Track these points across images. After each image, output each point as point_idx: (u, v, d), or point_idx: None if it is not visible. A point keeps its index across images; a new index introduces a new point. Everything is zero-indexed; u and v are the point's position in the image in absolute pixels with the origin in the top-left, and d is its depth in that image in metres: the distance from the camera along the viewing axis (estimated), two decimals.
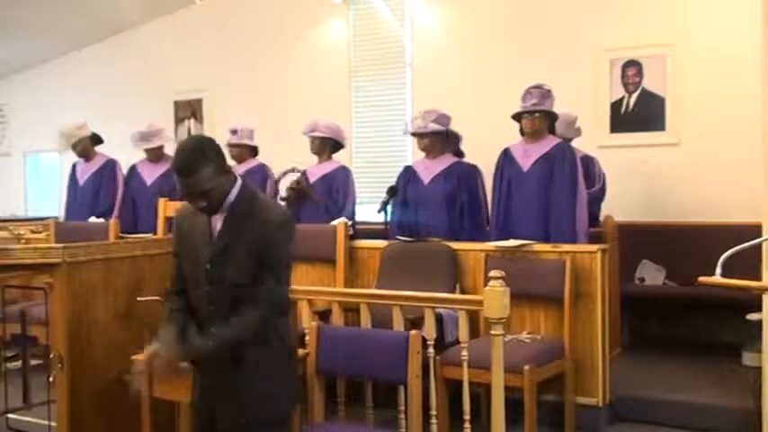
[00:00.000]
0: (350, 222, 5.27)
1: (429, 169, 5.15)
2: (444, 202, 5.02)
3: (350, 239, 5.09)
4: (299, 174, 5.55)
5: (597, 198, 5.42)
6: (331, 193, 5.46)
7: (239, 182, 2.61)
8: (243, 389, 2.59)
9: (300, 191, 5.48)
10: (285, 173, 5.67)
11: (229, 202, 2.57)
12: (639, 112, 6.21)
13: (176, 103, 8.45)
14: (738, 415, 4.15)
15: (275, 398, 2.63)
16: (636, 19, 6.20)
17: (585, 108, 5.79)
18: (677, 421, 4.33)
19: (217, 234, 2.59)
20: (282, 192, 5.60)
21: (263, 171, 5.95)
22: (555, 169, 4.67)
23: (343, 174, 5.53)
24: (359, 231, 5.47)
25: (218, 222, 2.60)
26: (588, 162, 5.40)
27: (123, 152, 6.58)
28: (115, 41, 8.79)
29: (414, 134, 5.21)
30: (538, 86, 4.70)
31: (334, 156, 5.63)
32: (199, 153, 2.52)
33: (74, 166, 6.64)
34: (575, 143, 5.34)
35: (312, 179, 5.53)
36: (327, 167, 5.56)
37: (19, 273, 3.89)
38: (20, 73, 9.57)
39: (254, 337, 2.56)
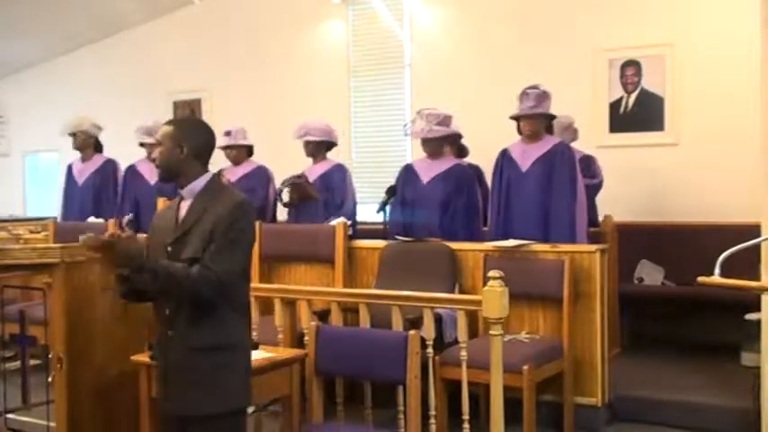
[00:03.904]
0: (350, 222, 5.25)
1: (429, 169, 5.12)
2: (439, 204, 4.99)
3: (349, 239, 5.07)
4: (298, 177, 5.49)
5: (596, 187, 5.47)
6: (329, 192, 5.46)
7: (209, 174, 2.72)
8: (194, 379, 2.61)
9: (301, 189, 5.45)
10: (289, 183, 5.52)
11: (195, 190, 2.68)
12: (638, 112, 6.22)
13: (175, 104, 8.44)
14: (737, 415, 4.15)
15: (225, 394, 2.63)
16: (635, 19, 6.20)
17: (584, 108, 5.79)
18: (676, 421, 4.33)
19: (181, 220, 2.68)
20: (285, 196, 5.53)
21: (264, 173, 5.87)
22: (554, 170, 4.66)
23: (340, 172, 5.54)
24: (358, 231, 5.47)
25: (183, 210, 2.70)
26: (589, 161, 5.48)
27: (122, 152, 6.58)
28: (114, 41, 8.79)
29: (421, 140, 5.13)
30: (534, 87, 4.67)
31: (328, 155, 5.64)
32: (195, 123, 2.85)
33: (69, 167, 6.64)
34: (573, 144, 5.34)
35: (310, 180, 5.51)
36: (324, 167, 5.57)
37: (18, 273, 3.88)
38: (20, 73, 9.56)
39: (191, 293, 2.54)
